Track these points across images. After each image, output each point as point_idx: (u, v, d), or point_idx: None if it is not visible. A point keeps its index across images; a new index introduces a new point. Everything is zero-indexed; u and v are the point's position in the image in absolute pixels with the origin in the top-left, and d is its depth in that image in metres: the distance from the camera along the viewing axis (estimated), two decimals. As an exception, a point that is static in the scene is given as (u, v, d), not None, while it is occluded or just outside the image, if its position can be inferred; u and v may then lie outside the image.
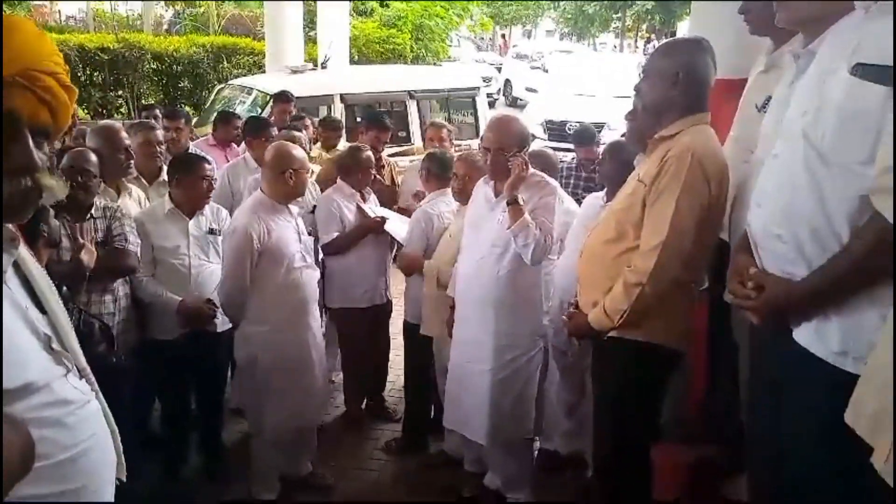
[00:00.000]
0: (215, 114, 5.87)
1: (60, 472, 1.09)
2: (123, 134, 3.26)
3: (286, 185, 2.95)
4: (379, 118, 4.75)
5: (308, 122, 5.15)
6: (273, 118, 5.59)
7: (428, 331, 3.39)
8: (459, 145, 5.15)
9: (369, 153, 3.81)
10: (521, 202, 2.71)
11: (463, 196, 3.25)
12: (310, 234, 3.22)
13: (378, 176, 4.26)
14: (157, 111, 5.29)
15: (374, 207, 3.81)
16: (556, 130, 10.43)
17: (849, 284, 1.49)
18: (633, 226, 2.23)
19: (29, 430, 0.98)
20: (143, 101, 11.18)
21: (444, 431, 3.53)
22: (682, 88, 2.18)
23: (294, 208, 3.09)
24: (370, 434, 3.82)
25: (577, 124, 8.15)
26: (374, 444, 3.72)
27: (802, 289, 1.56)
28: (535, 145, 7.97)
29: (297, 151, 3.05)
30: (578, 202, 3.65)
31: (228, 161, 4.91)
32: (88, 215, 2.79)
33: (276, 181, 2.95)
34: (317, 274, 3.16)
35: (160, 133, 3.73)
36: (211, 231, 3.17)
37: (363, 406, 3.97)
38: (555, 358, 3.19)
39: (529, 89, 15.46)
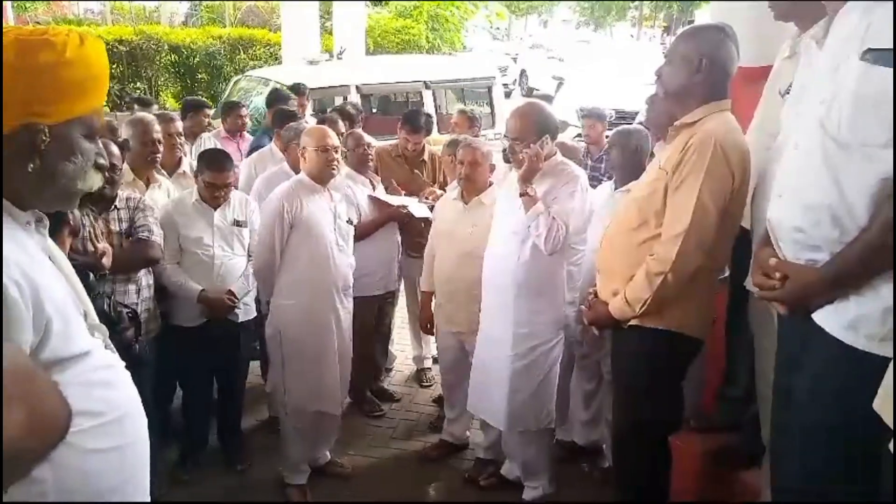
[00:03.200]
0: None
1: (117, 427, 1.20)
2: (157, 127, 3.32)
3: (311, 161, 3.02)
4: (412, 118, 4.28)
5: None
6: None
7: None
8: (485, 135, 5.11)
9: (363, 137, 3.81)
10: (533, 193, 2.71)
11: (469, 184, 3.25)
12: (349, 222, 3.22)
13: (417, 172, 4.23)
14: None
15: (386, 196, 3.83)
16: None
17: (870, 265, 1.49)
18: (655, 214, 2.21)
19: (87, 391, 1.11)
20: (160, 93, 11.26)
21: (444, 420, 3.57)
22: (705, 75, 2.16)
23: (337, 194, 3.15)
24: (383, 422, 3.85)
25: (613, 112, 8.13)
26: (392, 433, 3.75)
27: (825, 274, 1.55)
28: (569, 132, 7.92)
29: (325, 132, 3.12)
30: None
31: (241, 151, 4.94)
32: (112, 206, 2.83)
33: (314, 158, 3.02)
34: (350, 261, 3.19)
35: (180, 124, 3.78)
36: (237, 223, 3.20)
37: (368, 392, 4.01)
38: (570, 347, 3.19)
39: (556, 77, 15.30)
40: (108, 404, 1.19)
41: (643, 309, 2.21)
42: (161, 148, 3.34)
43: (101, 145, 1.28)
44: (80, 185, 1.23)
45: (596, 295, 2.46)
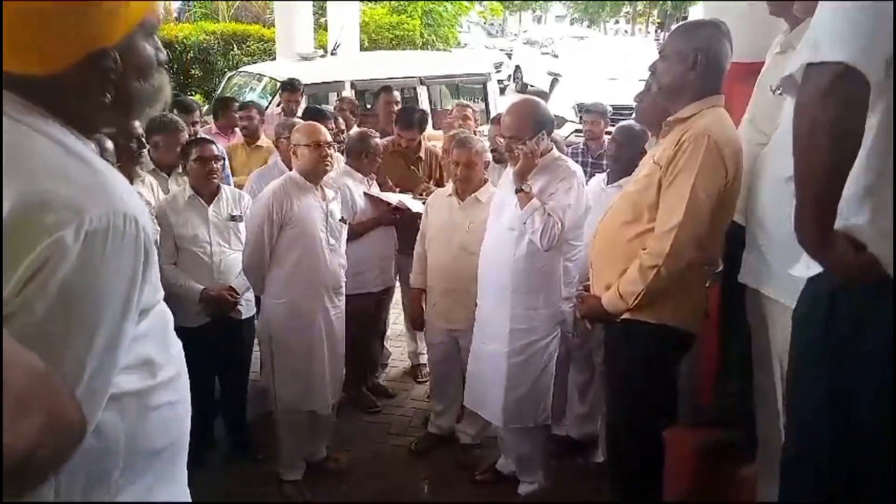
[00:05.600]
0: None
1: (176, 383, 1.18)
2: (136, 123, 3.28)
3: (304, 158, 3.01)
4: (408, 117, 4.26)
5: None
6: (281, 107, 5.60)
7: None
8: (481, 131, 5.13)
9: (377, 140, 3.80)
10: (528, 189, 2.72)
11: (465, 184, 3.24)
12: (342, 220, 3.21)
13: (413, 168, 4.22)
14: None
15: (381, 193, 3.82)
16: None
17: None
18: (648, 208, 2.23)
19: (158, 343, 1.11)
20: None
21: (431, 412, 3.59)
22: (700, 70, 2.17)
23: (330, 192, 3.14)
24: (379, 417, 3.85)
25: (610, 108, 8.13)
26: (387, 428, 3.76)
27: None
28: (566, 128, 7.82)
29: (317, 128, 3.10)
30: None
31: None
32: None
33: (306, 155, 3.02)
34: (342, 261, 3.17)
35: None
36: (232, 217, 3.19)
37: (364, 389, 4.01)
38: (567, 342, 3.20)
39: (552, 73, 15.31)
40: (171, 359, 1.16)
41: (636, 302, 2.23)
42: (144, 144, 3.31)
43: (157, 40, 1.12)
44: (159, 103, 1.12)
45: (587, 289, 2.47)
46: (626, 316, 2.29)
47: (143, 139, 3.28)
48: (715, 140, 2.11)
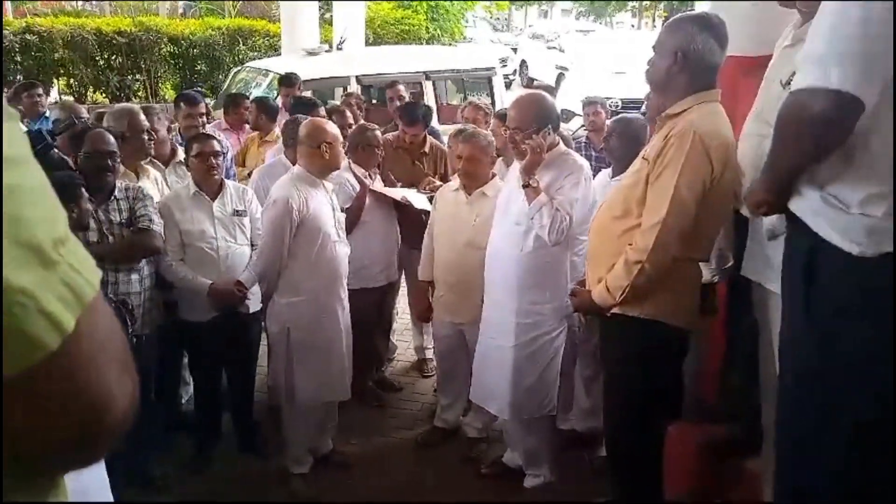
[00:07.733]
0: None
1: None
2: (143, 116, 3.30)
3: (322, 158, 3.02)
4: (409, 110, 4.26)
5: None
6: (281, 101, 5.59)
7: None
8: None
9: (376, 132, 3.80)
10: (535, 184, 2.72)
11: (469, 178, 3.24)
12: (343, 210, 3.25)
13: (418, 163, 4.22)
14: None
15: (385, 189, 3.82)
16: None
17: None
18: (637, 203, 2.24)
19: None
20: (160, 85, 11.25)
21: (438, 406, 3.59)
22: (682, 67, 2.17)
23: (328, 184, 3.15)
24: (385, 411, 3.87)
25: (619, 101, 8.11)
26: (393, 422, 3.77)
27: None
28: (575, 122, 7.80)
29: (330, 125, 3.12)
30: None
31: (241, 143, 4.92)
32: (112, 197, 2.83)
33: (313, 155, 3.03)
34: (348, 250, 3.20)
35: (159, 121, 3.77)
36: (236, 212, 3.19)
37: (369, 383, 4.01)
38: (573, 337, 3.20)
39: (559, 67, 15.23)
40: None
41: (623, 297, 2.24)
42: (154, 136, 3.33)
43: None
44: None
45: (583, 284, 2.49)
46: (615, 310, 2.30)
47: (151, 132, 3.29)
48: (700, 135, 2.10)
